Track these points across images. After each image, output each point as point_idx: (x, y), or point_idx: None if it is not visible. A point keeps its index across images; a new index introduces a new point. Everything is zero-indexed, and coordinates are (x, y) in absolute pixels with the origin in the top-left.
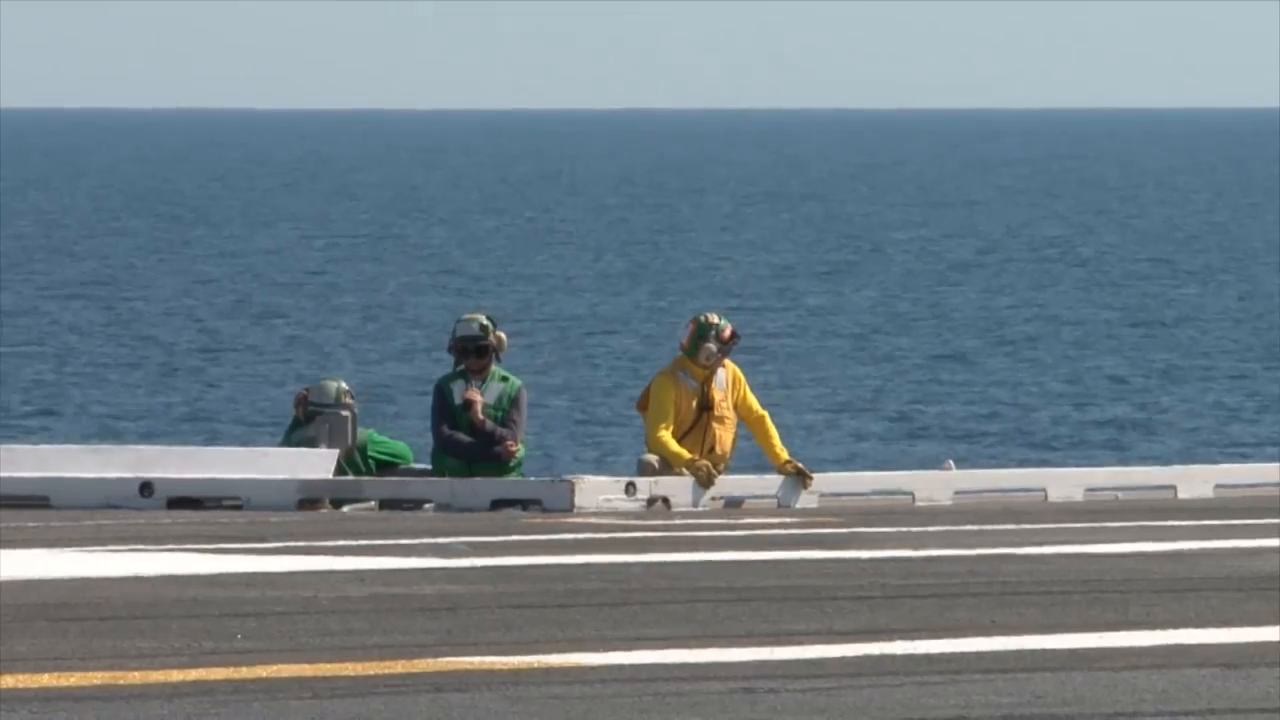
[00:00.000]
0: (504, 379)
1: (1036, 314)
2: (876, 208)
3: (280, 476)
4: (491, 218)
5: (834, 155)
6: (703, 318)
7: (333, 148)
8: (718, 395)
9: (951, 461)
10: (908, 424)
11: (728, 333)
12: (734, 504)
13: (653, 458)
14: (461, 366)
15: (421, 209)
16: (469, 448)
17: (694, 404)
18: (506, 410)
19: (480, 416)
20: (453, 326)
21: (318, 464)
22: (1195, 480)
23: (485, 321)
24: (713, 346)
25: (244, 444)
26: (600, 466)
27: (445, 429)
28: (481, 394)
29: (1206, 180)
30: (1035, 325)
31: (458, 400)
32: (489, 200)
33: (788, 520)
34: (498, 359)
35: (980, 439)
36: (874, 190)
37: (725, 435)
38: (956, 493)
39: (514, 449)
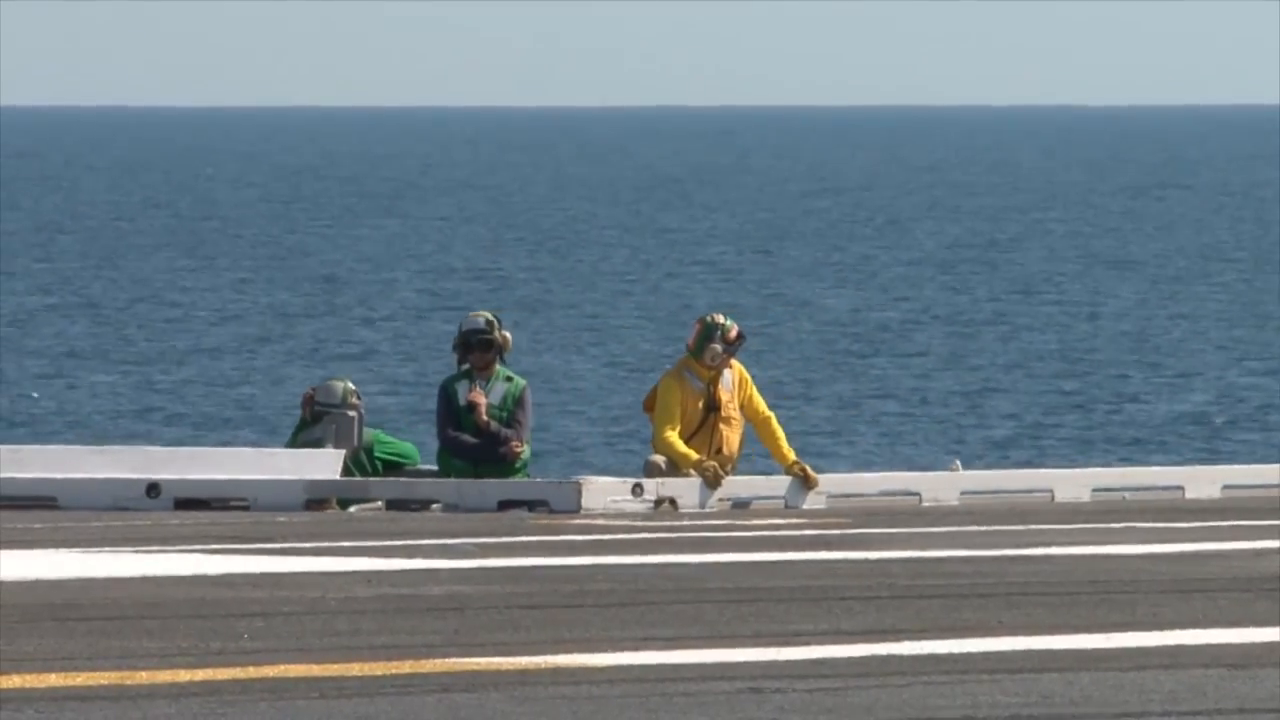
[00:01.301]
0: (509, 379)
1: (1042, 315)
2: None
3: (287, 477)
4: (502, 217)
5: (855, 153)
6: (709, 318)
7: (327, 145)
8: (724, 396)
9: (958, 462)
10: (914, 425)
11: (734, 333)
12: (741, 505)
13: (659, 459)
14: (466, 366)
15: (427, 207)
16: (474, 449)
17: (700, 405)
18: (511, 411)
19: (485, 418)
20: (458, 325)
21: (324, 464)
22: (1202, 481)
23: (490, 317)
24: (718, 347)
25: (251, 445)
26: (607, 468)
27: (450, 430)
28: (486, 394)
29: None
30: (1040, 325)
31: (462, 401)
32: (497, 199)
33: (795, 521)
34: (502, 359)
35: (987, 439)
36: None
37: (732, 436)
38: (963, 493)
39: (519, 449)
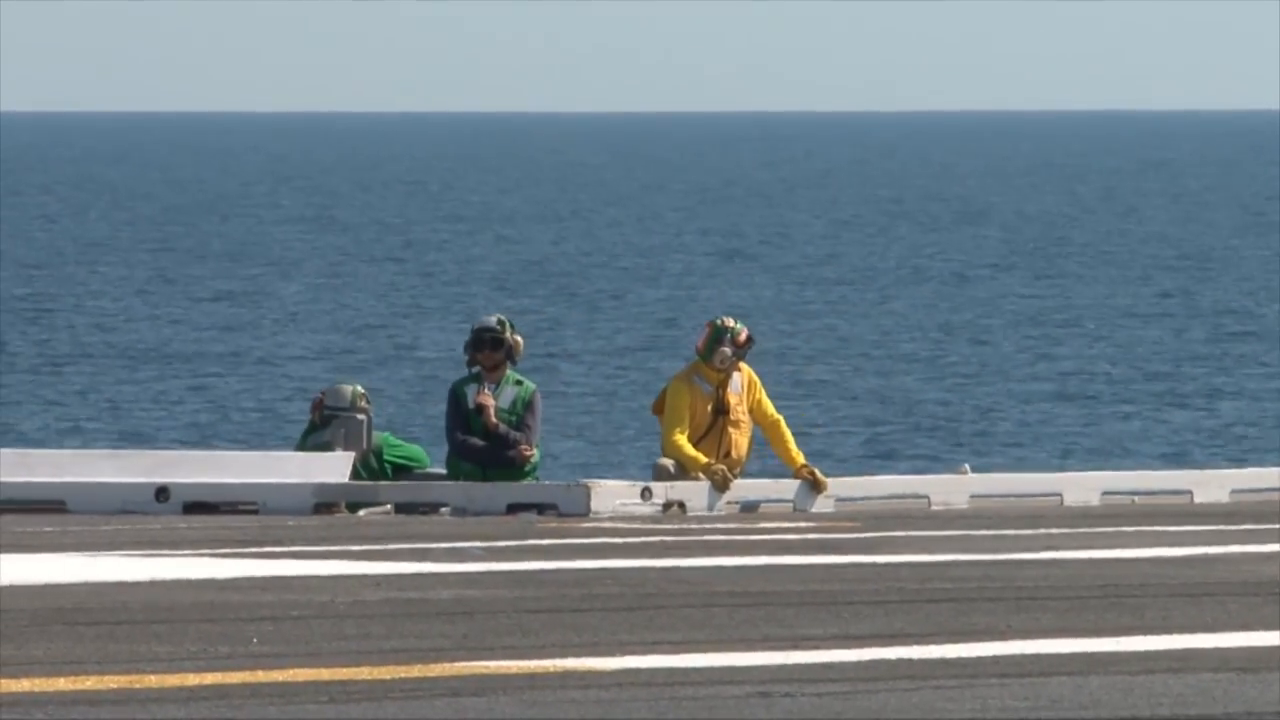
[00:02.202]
0: (518, 382)
1: (1054, 318)
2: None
3: (296, 481)
4: (521, 222)
5: (868, 157)
6: (719, 321)
7: (327, 149)
8: (733, 399)
9: (967, 465)
10: (924, 428)
11: (743, 336)
12: (750, 508)
13: (668, 462)
14: (476, 369)
15: (436, 213)
16: (482, 452)
17: (709, 408)
18: (521, 414)
19: (494, 420)
20: (469, 328)
21: (333, 468)
22: (1211, 485)
23: (502, 318)
24: (727, 350)
25: (260, 448)
26: (616, 471)
27: (459, 433)
28: (496, 397)
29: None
30: (1053, 329)
31: (471, 404)
32: (510, 205)
33: (803, 525)
34: (513, 362)
35: (997, 443)
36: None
37: (740, 440)
38: (972, 497)
39: (528, 453)
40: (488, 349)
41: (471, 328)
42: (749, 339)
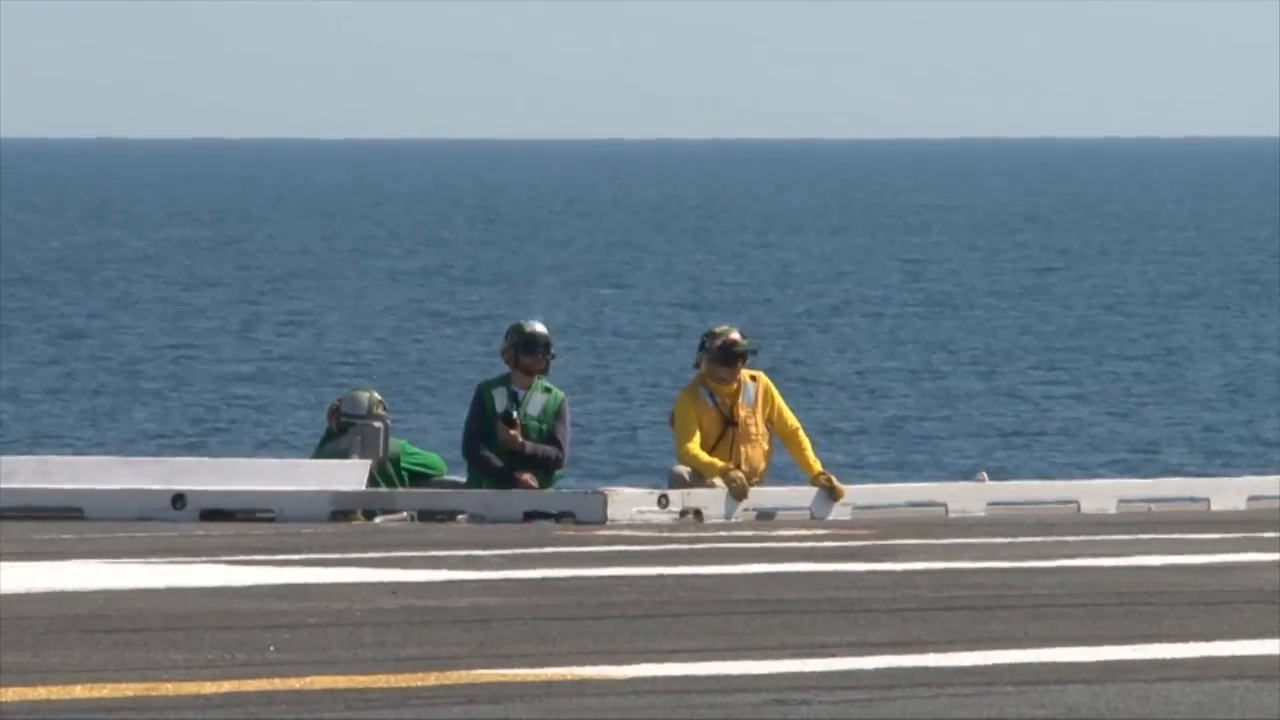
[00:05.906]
0: (547, 390)
1: (1070, 326)
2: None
3: (312, 488)
4: (555, 233)
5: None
6: (710, 330)
7: (339, 176)
8: (743, 412)
9: (984, 473)
10: (941, 436)
11: (719, 342)
12: (766, 516)
13: (683, 469)
14: (504, 372)
15: (447, 228)
16: (501, 472)
17: (716, 421)
18: (550, 423)
19: (519, 440)
20: (506, 332)
21: (350, 476)
22: (1228, 492)
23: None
24: (706, 355)
25: (276, 456)
26: (633, 479)
27: (481, 449)
28: (524, 404)
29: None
30: (1069, 337)
31: (498, 408)
32: (548, 221)
33: (820, 532)
34: (545, 369)
35: (1014, 450)
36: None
37: (753, 453)
38: (989, 504)
39: (561, 462)
40: (541, 352)
41: (518, 329)
42: (735, 342)
